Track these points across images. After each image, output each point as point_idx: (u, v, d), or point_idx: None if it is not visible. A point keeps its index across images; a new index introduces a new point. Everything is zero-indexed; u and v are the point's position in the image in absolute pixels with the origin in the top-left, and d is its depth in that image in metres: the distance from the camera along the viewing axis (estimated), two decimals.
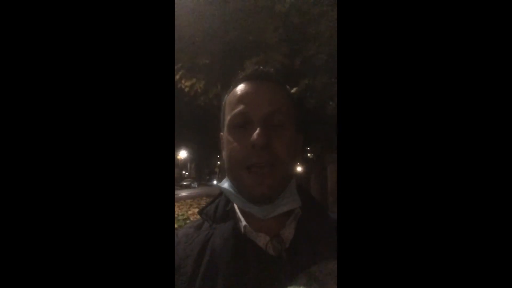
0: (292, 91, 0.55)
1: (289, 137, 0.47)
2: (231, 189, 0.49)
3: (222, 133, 0.52)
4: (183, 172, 36.71)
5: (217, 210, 0.51)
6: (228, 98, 0.51)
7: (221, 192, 0.52)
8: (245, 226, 0.47)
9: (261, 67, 0.52)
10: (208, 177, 37.45)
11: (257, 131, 0.44)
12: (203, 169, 38.40)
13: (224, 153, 0.50)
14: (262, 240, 0.46)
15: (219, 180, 0.52)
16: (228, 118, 0.48)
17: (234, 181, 0.48)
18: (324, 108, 4.76)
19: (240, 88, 0.49)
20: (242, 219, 0.48)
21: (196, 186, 26.89)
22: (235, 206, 0.50)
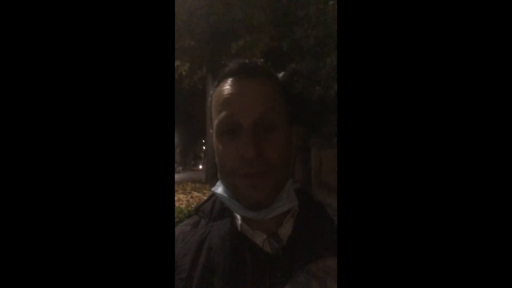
0: (280, 75, 0.50)
1: (283, 138, 0.44)
2: (225, 194, 0.47)
3: (211, 131, 0.49)
4: None
5: (214, 208, 0.50)
6: (214, 96, 0.47)
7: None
8: (241, 225, 0.46)
9: (247, 61, 0.47)
10: (193, 162, 37.44)
11: (246, 143, 0.40)
12: (188, 153, 38.27)
13: (215, 156, 0.47)
14: (259, 238, 0.45)
15: (204, 165, 0.50)
16: (215, 122, 0.44)
17: (227, 187, 0.46)
18: (310, 93, 4.75)
19: (226, 86, 0.45)
20: (239, 217, 0.47)
21: (181, 171, 26.84)
22: None
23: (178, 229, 0.50)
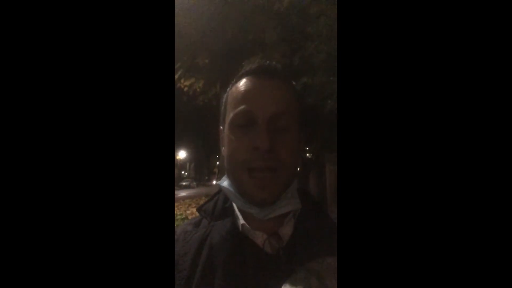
0: None
1: (294, 140, 0.46)
2: (230, 189, 0.48)
3: (221, 128, 0.51)
4: (182, 172, 36.75)
5: (216, 208, 0.51)
6: (230, 93, 0.49)
7: (220, 189, 0.52)
8: (243, 225, 0.47)
9: (267, 62, 0.49)
10: (207, 177, 37.55)
11: (261, 134, 0.42)
12: (202, 169, 38.44)
13: (224, 151, 0.49)
14: (259, 238, 0.46)
15: (218, 180, 0.52)
16: (230, 115, 0.46)
17: (234, 182, 0.47)
18: (322, 107, 4.75)
19: (245, 83, 0.47)
20: (240, 217, 0.48)
21: (195, 186, 26.90)
22: (234, 204, 0.50)
23: (179, 229, 0.51)
